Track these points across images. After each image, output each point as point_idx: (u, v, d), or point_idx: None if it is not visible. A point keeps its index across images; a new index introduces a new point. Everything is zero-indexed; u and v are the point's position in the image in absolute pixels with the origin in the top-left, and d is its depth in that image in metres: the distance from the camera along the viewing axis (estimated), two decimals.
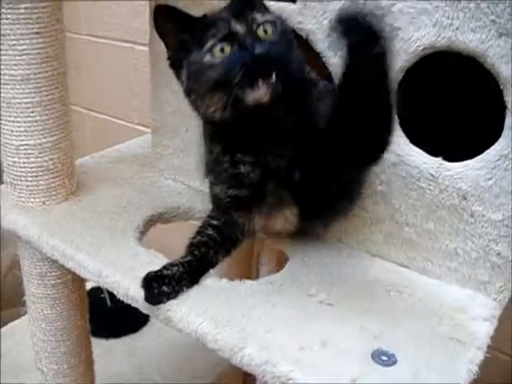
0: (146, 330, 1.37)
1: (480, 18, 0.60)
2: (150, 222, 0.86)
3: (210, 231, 0.75)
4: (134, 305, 0.70)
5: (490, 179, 0.65)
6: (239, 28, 0.62)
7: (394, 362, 0.59)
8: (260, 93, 0.60)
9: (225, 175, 0.72)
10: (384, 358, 0.60)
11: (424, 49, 0.65)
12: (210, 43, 0.63)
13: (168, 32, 0.68)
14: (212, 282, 0.70)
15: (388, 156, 0.70)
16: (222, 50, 0.62)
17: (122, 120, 1.70)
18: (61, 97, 0.83)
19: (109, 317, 1.28)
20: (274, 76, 0.60)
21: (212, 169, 0.76)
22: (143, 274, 0.68)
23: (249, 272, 1.17)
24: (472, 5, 0.60)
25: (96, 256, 0.75)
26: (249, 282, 0.71)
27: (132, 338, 1.35)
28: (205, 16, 0.67)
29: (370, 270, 0.74)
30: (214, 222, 0.76)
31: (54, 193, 0.87)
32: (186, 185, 0.94)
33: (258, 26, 0.62)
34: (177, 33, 0.67)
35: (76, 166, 0.94)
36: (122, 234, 0.80)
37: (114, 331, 1.33)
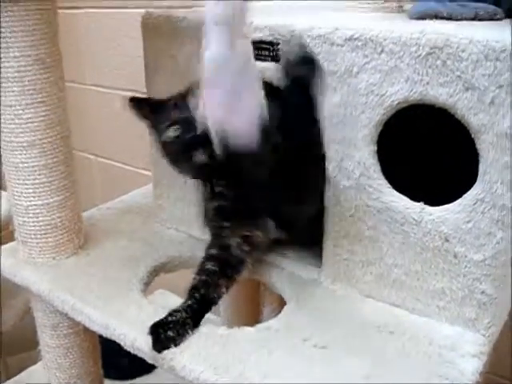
0: (159, 370, 1.40)
1: (447, 73, 0.64)
2: (154, 273, 0.90)
3: (208, 265, 0.81)
4: (140, 355, 0.74)
5: (469, 222, 0.69)
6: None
7: None
8: (200, 158, 0.73)
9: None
10: None
11: (398, 103, 0.69)
12: (165, 125, 0.77)
13: (141, 116, 0.83)
14: (212, 329, 0.74)
15: (373, 203, 0.75)
16: (175, 130, 0.76)
17: (129, 165, 1.76)
18: (65, 159, 0.88)
19: (123, 359, 1.32)
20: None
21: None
22: (148, 325, 0.73)
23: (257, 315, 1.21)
24: (439, 62, 0.65)
25: (103, 309, 0.79)
26: (247, 328, 0.75)
27: (145, 379, 1.39)
28: (168, 99, 0.79)
29: (362, 311, 0.78)
30: (212, 251, 0.83)
31: (62, 248, 0.91)
32: (187, 234, 0.98)
33: None
34: (147, 116, 0.82)
35: (84, 219, 0.99)
36: (127, 286, 0.84)
37: (128, 373, 1.37)
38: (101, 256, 0.92)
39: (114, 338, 0.77)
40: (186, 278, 1.59)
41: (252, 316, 1.19)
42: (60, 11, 0.91)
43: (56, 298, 0.84)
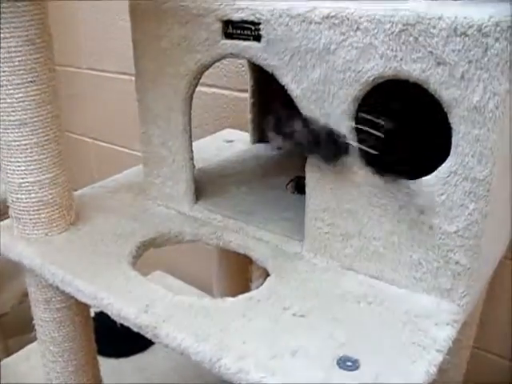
0: (154, 348, 1.44)
1: (419, 49, 0.66)
2: (143, 247, 0.92)
3: None
4: (126, 324, 0.77)
5: (442, 194, 0.71)
6: None
7: (358, 367, 0.65)
8: None
9: None
10: (348, 363, 0.65)
11: (374, 78, 0.71)
12: None
13: None
14: (196, 301, 0.77)
15: (352, 177, 0.77)
16: None
17: (124, 147, 1.79)
18: (56, 137, 0.90)
19: (118, 337, 1.35)
20: None
21: None
22: (134, 296, 0.77)
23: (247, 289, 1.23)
24: (411, 38, 0.67)
25: (91, 281, 0.82)
26: (229, 299, 0.78)
27: (140, 357, 1.43)
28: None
29: (342, 282, 0.80)
30: None
31: (54, 224, 0.94)
32: (176, 210, 1.01)
33: None
34: None
35: (77, 197, 1.02)
36: (117, 259, 0.87)
37: (123, 351, 1.41)
38: (91, 232, 0.95)
39: (101, 308, 0.79)
40: (184, 259, 1.64)
41: (242, 291, 1.22)
42: None
43: (47, 271, 0.86)
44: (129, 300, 0.77)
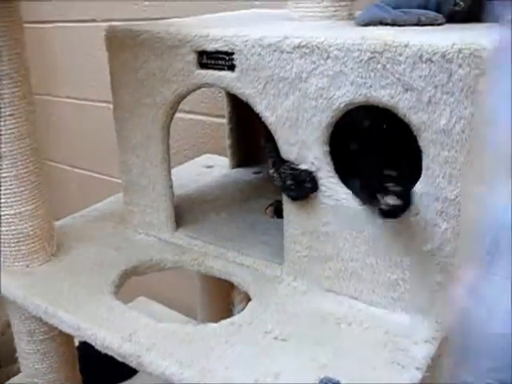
0: (139, 376, 1.44)
1: (388, 76, 0.69)
2: (125, 276, 0.93)
3: None
4: (110, 354, 0.78)
5: (416, 214, 0.73)
6: None
7: None
8: None
9: None
10: None
11: (345, 105, 0.73)
12: None
13: None
14: (179, 327, 0.78)
15: (327, 200, 0.79)
16: None
17: (105, 175, 1.80)
18: (35, 169, 0.91)
19: (102, 366, 1.34)
20: None
21: None
22: (117, 325, 0.78)
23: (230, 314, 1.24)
24: (379, 66, 0.69)
25: (74, 312, 0.82)
26: (211, 325, 0.79)
27: None
28: None
29: (322, 304, 0.81)
30: None
31: (35, 256, 0.94)
32: (157, 238, 1.02)
33: None
34: None
35: (58, 227, 1.03)
36: (99, 289, 0.87)
37: (108, 379, 1.40)
38: (73, 262, 0.95)
39: (85, 338, 0.80)
40: (167, 285, 1.64)
41: (226, 315, 1.23)
42: (31, 26, 0.95)
43: (30, 303, 0.87)
44: (112, 329, 0.78)
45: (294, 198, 0.82)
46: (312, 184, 0.80)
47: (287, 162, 0.82)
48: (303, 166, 0.80)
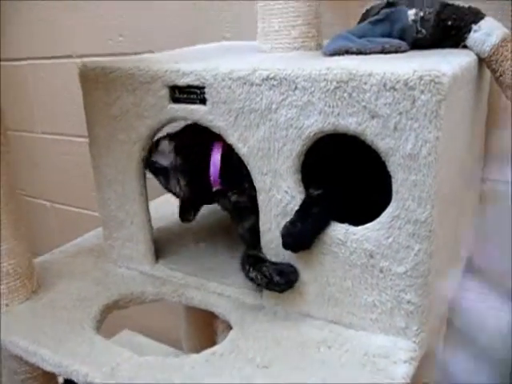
0: None
1: (354, 104, 0.71)
2: (107, 310, 0.93)
3: None
4: None
5: (388, 237, 0.75)
6: None
7: None
8: None
9: None
10: None
11: (315, 134, 0.75)
12: None
13: None
14: (160, 360, 0.79)
15: None
16: None
17: (84, 209, 1.80)
18: (12, 208, 0.92)
19: None
20: None
21: None
22: (100, 360, 0.78)
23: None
24: (346, 94, 0.71)
25: (56, 349, 0.82)
26: (194, 355, 0.79)
27: None
28: None
29: (302, 329, 0.83)
30: None
31: (16, 294, 0.94)
32: (137, 271, 1.03)
33: None
34: None
35: (37, 264, 1.03)
36: (80, 325, 0.88)
37: None
38: (54, 299, 0.96)
39: (67, 375, 0.80)
40: (151, 317, 1.62)
41: (211, 344, 1.23)
42: (6, 63, 0.95)
43: (10, 343, 0.87)
44: (94, 365, 0.78)
45: (282, 291, 0.84)
46: (295, 273, 0.83)
47: (266, 260, 0.85)
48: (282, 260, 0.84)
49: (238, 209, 0.95)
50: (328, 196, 0.80)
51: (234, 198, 0.94)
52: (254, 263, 0.86)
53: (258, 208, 0.84)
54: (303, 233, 0.80)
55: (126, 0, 1.45)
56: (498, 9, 0.94)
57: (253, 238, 0.89)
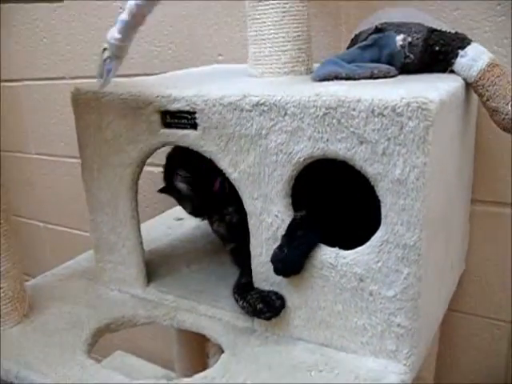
0: None
1: (343, 130, 0.72)
2: (98, 334, 0.93)
3: None
4: None
5: (378, 261, 0.75)
6: None
7: None
8: None
9: None
10: None
11: (304, 159, 0.76)
12: None
13: None
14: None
15: None
16: None
17: (77, 230, 1.80)
18: (4, 231, 0.92)
19: None
20: None
21: None
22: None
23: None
24: (335, 120, 0.72)
25: (47, 374, 0.82)
26: (185, 379, 0.79)
27: None
28: None
29: (293, 353, 0.83)
30: None
31: (7, 318, 0.94)
32: (129, 294, 1.03)
33: None
34: None
35: (29, 287, 1.03)
36: (72, 349, 0.88)
37: None
38: (45, 323, 0.95)
39: None
40: (143, 338, 1.62)
41: (203, 367, 1.23)
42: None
43: (1, 367, 0.86)
44: None
45: (268, 318, 0.85)
46: (281, 301, 0.84)
47: (253, 288, 0.87)
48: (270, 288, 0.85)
49: (219, 235, 1.03)
50: (311, 217, 0.81)
51: (215, 225, 1.01)
52: (242, 292, 0.88)
53: (236, 235, 0.86)
54: (291, 257, 0.80)
55: None
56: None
57: (237, 260, 0.93)
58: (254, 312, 0.85)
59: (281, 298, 0.84)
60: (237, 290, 0.90)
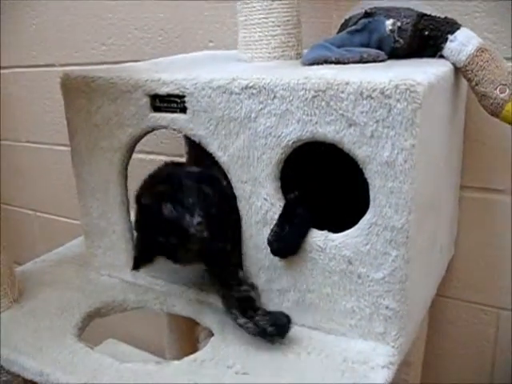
0: None
1: (332, 113, 0.72)
2: (88, 318, 0.94)
3: None
4: None
5: (366, 244, 0.76)
6: None
7: None
8: None
9: None
10: None
11: (293, 142, 0.76)
12: None
13: None
14: (141, 367, 0.79)
15: None
16: None
17: (67, 218, 1.80)
18: None
19: None
20: None
21: None
22: (81, 367, 0.79)
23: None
24: (323, 103, 0.72)
25: (36, 357, 0.83)
26: (174, 362, 0.80)
27: None
28: None
29: None
30: None
31: None
32: (119, 279, 1.03)
33: None
34: None
35: (19, 273, 1.03)
36: (62, 333, 0.88)
37: None
38: (35, 308, 0.96)
39: (49, 383, 0.80)
40: (135, 326, 1.62)
41: (194, 351, 1.23)
42: None
43: None
44: (75, 372, 0.79)
45: (273, 341, 0.81)
46: (289, 322, 0.80)
47: (258, 308, 0.83)
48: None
49: None
50: (305, 196, 0.81)
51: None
52: (244, 310, 0.83)
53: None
54: (291, 235, 0.80)
55: (109, 9, 1.45)
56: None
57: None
58: (259, 333, 0.81)
59: (288, 319, 0.81)
60: (235, 304, 0.84)
